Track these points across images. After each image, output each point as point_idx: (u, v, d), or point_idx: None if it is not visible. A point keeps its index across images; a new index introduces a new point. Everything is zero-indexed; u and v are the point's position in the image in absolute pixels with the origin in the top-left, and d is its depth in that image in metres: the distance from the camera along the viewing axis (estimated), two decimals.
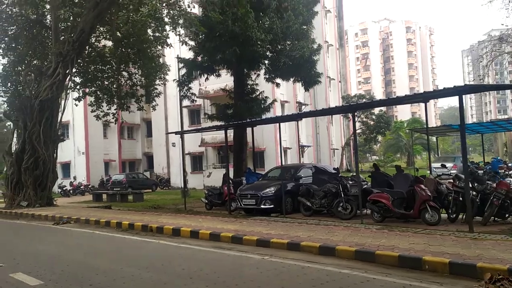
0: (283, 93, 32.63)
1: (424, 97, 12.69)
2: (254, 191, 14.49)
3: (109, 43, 24.26)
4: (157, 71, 23.64)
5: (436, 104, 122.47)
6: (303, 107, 34.38)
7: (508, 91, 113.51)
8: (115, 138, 40.19)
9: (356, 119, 43.05)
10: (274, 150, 31.38)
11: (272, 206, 13.99)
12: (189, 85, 21.17)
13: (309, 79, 20.11)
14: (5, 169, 49.46)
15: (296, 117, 16.84)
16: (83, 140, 37.54)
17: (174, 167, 36.63)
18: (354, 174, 14.84)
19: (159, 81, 24.48)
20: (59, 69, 19.22)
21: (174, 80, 22.18)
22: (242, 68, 20.00)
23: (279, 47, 19.47)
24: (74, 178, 36.43)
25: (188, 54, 21.77)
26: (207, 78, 21.27)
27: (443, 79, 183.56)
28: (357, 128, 44.93)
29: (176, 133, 19.37)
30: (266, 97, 20.88)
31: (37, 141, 19.57)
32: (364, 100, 40.89)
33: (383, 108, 46.43)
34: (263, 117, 19.75)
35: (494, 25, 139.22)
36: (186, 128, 28.92)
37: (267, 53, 19.80)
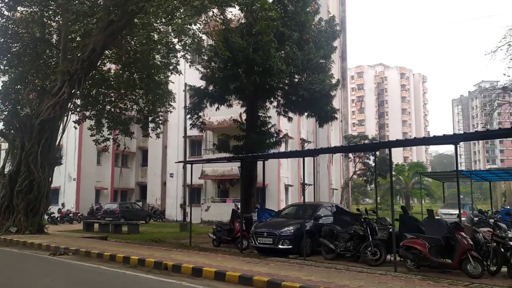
0: (287, 129, 31.95)
1: (456, 138, 11.92)
2: (271, 229, 13.45)
3: (114, 67, 23.41)
4: (163, 97, 22.79)
5: (427, 150, 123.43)
6: (306, 144, 33.64)
7: (497, 141, 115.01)
8: (109, 165, 38.72)
9: (358, 159, 42.60)
10: (276, 186, 30.35)
11: (290, 246, 12.98)
12: (199, 114, 20.31)
13: (325, 114, 19.38)
14: None
15: (314, 153, 16.04)
16: (75, 165, 36.00)
17: (170, 199, 35.16)
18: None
19: (165, 108, 23.58)
20: (65, 88, 18.15)
21: (184, 107, 21.33)
22: (257, 99, 19.25)
23: (296, 79, 18.83)
24: (63, 205, 34.67)
25: (195, 81, 20.99)
26: (218, 108, 20.42)
27: (435, 126, 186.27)
28: (357, 170, 44.34)
29: (185, 162, 18.37)
30: (279, 130, 20.08)
31: (33, 163, 18.22)
32: (367, 141, 40.44)
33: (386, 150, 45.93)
34: (272, 151, 18.88)
35: (484, 77, 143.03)
36: (187, 159, 27.81)
37: (282, 86, 19.12)
